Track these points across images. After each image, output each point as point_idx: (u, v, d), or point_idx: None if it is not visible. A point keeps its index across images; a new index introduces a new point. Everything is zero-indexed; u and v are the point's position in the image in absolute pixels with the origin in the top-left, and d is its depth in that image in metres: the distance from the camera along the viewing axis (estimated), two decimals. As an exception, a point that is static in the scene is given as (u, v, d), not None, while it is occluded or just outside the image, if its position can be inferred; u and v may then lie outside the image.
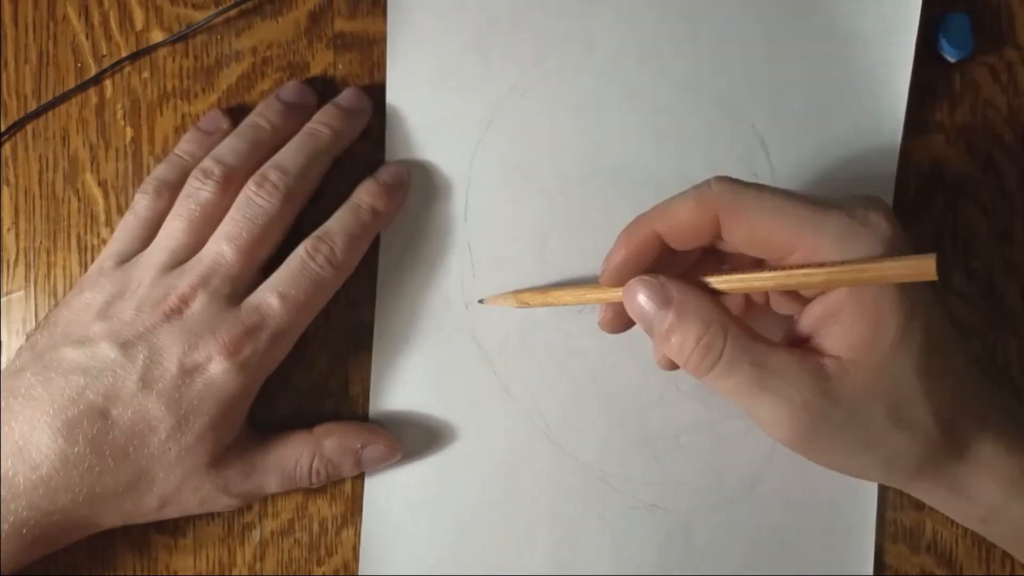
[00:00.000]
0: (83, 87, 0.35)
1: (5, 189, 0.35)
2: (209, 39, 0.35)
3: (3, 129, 0.35)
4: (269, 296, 0.30)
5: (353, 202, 0.33)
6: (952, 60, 0.34)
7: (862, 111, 0.34)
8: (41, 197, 0.35)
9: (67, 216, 0.35)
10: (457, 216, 0.34)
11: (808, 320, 0.27)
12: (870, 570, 0.34)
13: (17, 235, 0.35)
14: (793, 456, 0.30)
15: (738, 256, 0.30)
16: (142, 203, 0.32)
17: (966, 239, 0.34)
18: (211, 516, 0.35)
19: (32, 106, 0.35)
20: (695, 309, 0.26)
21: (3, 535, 0.29)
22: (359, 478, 0.35)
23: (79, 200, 0.35)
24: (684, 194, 0.28)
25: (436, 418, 0.34)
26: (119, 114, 0.35)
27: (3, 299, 0.35)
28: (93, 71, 0.35)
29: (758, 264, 0.28)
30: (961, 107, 0.34)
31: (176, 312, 0.30)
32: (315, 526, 0.35)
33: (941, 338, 0.27)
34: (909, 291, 0.26)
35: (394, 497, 0.34)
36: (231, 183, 0.31)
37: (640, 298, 0.27)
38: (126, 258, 0.32)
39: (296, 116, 0.33)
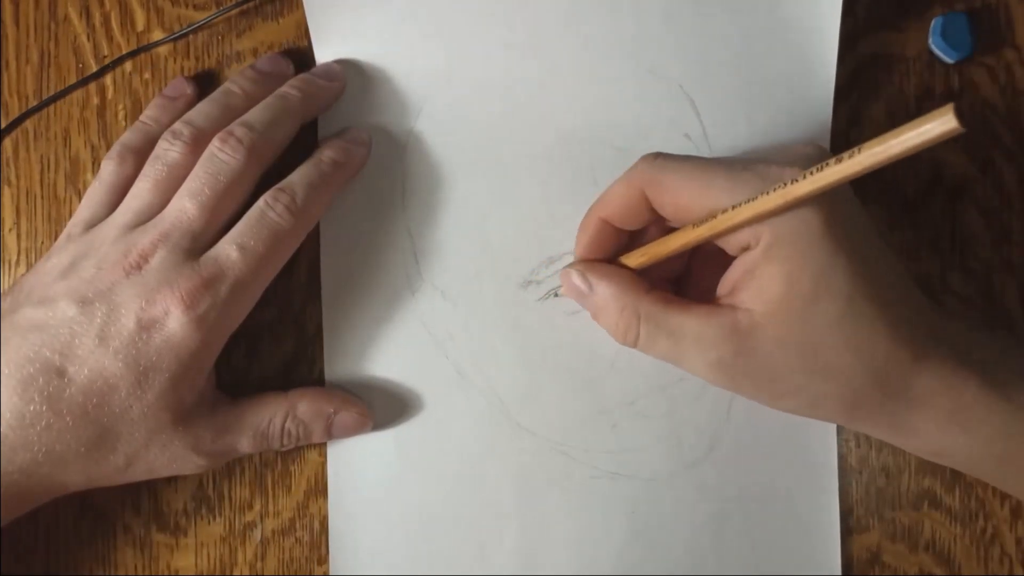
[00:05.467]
0: (84, 82, 0.35)
1: (6, 190, 0.35)
2: (210, 39, 0.35)
3: (4, 126, 0.35)
4: (228, 248, 0.30)
5: (315, 156, 0.33)
6: (950, 61, 0.34)
7: (792, 62, 0.34)
8: (42, 198, 0.35)
9: (68, 217, 0.35)
10: (395, 205, 0.34)
11: (730, 276, 0.28)
12: (836, 517, 0.34)
13: (19, 235, 0.36)
14: (751, 413, 0.33)
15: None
16: (107, 169, 0.32)
17: (965, 240, 0.34)
18: (212, 515, 0.35)
19: (33, 105, 0.35)
20: (611, 295, 0.29)
21: None
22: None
23: (80, 201, 0.35)
24: (617, 180, 0.30)
25: (394, 407, 0.34)
26: (120, 115, 0.35)
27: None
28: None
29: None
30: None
31: (136, 268, 0.29)
32: (316, 525, 0.35)
33: (873, 276, 0.27)
34: (830, 237, 0.26)
35: (358, 484, 0.34)
36: (199, 145, 0.31)
37: (571, 284, 0.31)
38: (93, 223, 0.32)
39: (270, 84, 0.33)
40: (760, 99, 0.34)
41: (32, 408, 0.28)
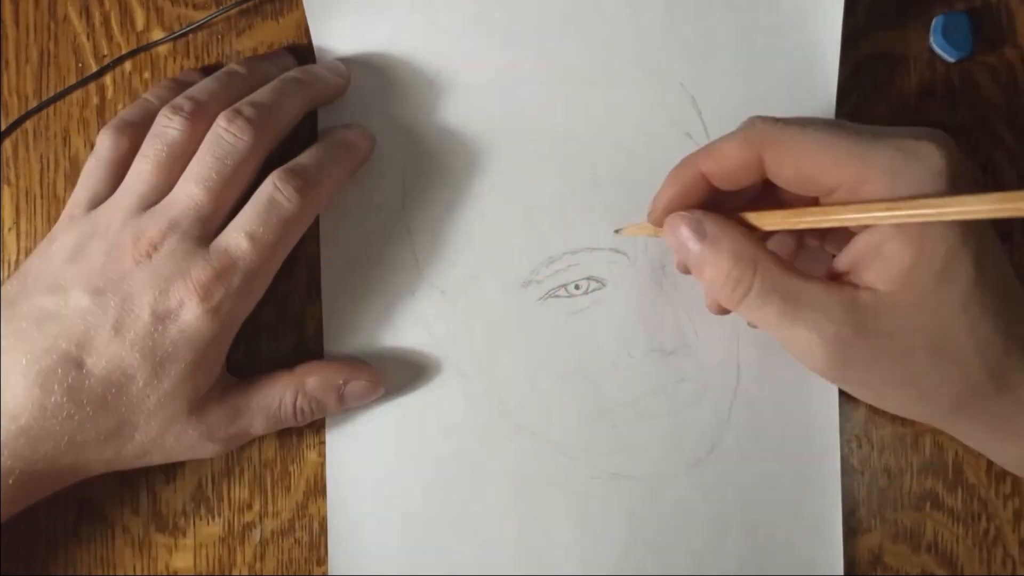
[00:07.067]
0: (84, 82, 0.35)
1: (6, 189, 0.35)
2: (210, 39, 0.35)
3: (4, 127, 0.35)
4: (238, 237, 0.29)
5: (323, 139, 0.32)
6: (951, 60, 0.34)
7: (793, 61, 0.34)
8: (42, 197, 0.35)
9: (68, 216, 0.35)
10: (395, 204, 0.34)
11: (852, 252, 0.27)
12: (839, 517, 0.34)
13: (18, 235, 0.35)
14: (751, 414, 0.33)
15: (792, 197, 0.29)
16: (104, 144, 0.32)
17: (966, 239, 0.34)
18: (211, 516, 0.35)
19: (33, 106, 0.35)
20: (728, 244, 0.27)
21: None
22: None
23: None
24: (730, 134, 0.28)
25: (394, 407, 0.34)
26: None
27: (4, 299, 0.35)
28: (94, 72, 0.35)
29: (809, 204, 0.28)
30: (960, 107, 0.34)
31: (146, 257, 0.29)
32: (315, 526, 0.35)
33: (992, 270, 0.26)
34: (961, 222, 0.25)
35: (357, 484, 0.34)
36: (200, 119, 0.30)
37: (680, 231, 0.28)
38: (95, 203, 0.31)
39: (272, 68, 0.33)
40: (762, 98, 0.34)
41: (53, 399, 0.29)
